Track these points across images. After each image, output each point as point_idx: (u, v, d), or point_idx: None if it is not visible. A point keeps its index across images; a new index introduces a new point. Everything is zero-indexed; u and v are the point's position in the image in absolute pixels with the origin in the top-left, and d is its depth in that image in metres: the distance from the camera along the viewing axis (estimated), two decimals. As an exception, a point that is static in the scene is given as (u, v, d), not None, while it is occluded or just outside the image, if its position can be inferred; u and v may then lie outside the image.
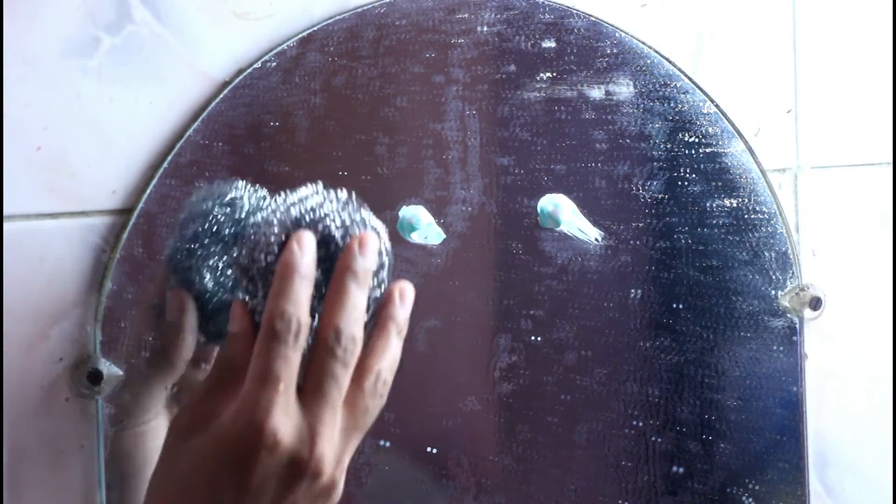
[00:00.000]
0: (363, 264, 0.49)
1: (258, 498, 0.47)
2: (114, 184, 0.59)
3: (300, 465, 0.48)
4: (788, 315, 0.67)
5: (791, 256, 0.67)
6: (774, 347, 0.67)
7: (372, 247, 0.50)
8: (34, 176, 0.57)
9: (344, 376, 0.49)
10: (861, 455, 0.71)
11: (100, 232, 0.58)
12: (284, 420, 0.47)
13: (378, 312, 0.51)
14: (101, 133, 0.58)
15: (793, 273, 0.67)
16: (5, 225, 0.57)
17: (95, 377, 0.57)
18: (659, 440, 0.65)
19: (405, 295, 0.52)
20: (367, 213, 0.51)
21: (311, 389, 0.49)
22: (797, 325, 0.67)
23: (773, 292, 0.67)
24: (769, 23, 0.68)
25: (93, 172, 0.58)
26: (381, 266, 0.50)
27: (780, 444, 0.67)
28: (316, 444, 0.48)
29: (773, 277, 0.67)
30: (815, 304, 0.67)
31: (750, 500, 0.67)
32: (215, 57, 0.60)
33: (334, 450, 0.49)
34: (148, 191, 0.58)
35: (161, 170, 0.59)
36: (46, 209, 0.58)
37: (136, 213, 0.58)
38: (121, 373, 0.58)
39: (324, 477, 0.48)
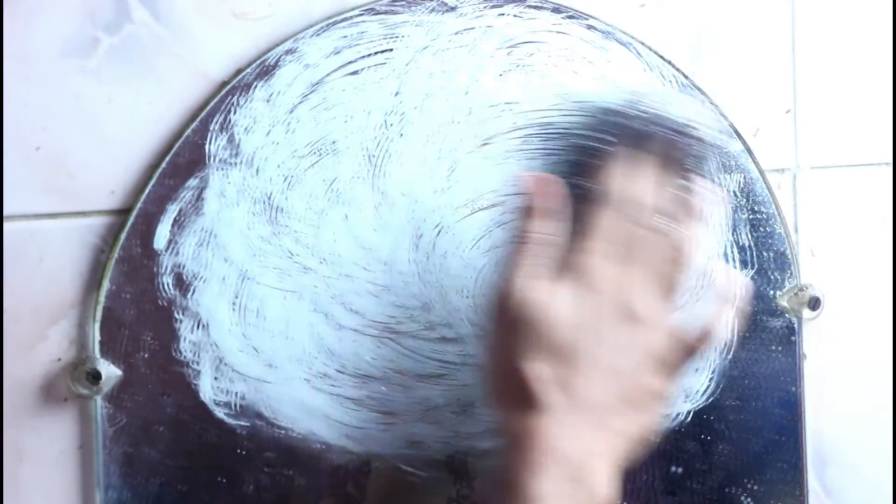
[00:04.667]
0: None
1: (614, 338, 0.54)
2: (112, 184, 0.59)
3: (631, 310, 0.54)
4: (787, 315, 0.67)
5: (790, 256, 0.67)
6: (773, 347, 0.67)
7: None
8: (33, 176, 0.58)
9: (650, 240, 0.55)
10: (860, 455, 0.71)
11: (98, 232, 0.59)
12: (605, 266, 0.54)
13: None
14: (99, 133, 0.58)
15: (791, 273, 0.67)
16: (4, 225, 0.57)
17: (94, 377, 0.57)
18: (658, 440, 0.65)
19: None
20: None
21: (626, 251, 0.55)
22: (796, 325, 0.67)
23: (771, 292, 0.67)
24: (768, 23, 0.68)
25: (91, 172, 0.58)
26: None
27: (779, 443, 0.67)
28: (639, 294, 0.54)
29: (772, 277, 0.67)
30: (814, 304, 0.67)
31: (749, 499, 0.67)
32: (214, 57, 0.60)
33: (655, 306, 0.55)
34: (146, 191, 0.59)
35: (159, 170, 0.59)
36: (45, 209, 0.58)
37: (134, 213, 0.58)
38: (119, 373, 0.58)
39: (644, 330, 0.54)
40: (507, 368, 0.53)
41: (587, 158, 0.57)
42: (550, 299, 0.53)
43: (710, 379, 0.66)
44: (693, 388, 0.66)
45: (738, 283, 0.60)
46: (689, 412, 0.65)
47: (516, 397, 0.53)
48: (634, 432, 0.54)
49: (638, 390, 0.54)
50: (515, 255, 0.55)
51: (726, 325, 0.58)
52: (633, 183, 0.56)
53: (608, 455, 0.52)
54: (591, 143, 0.57)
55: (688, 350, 0.56)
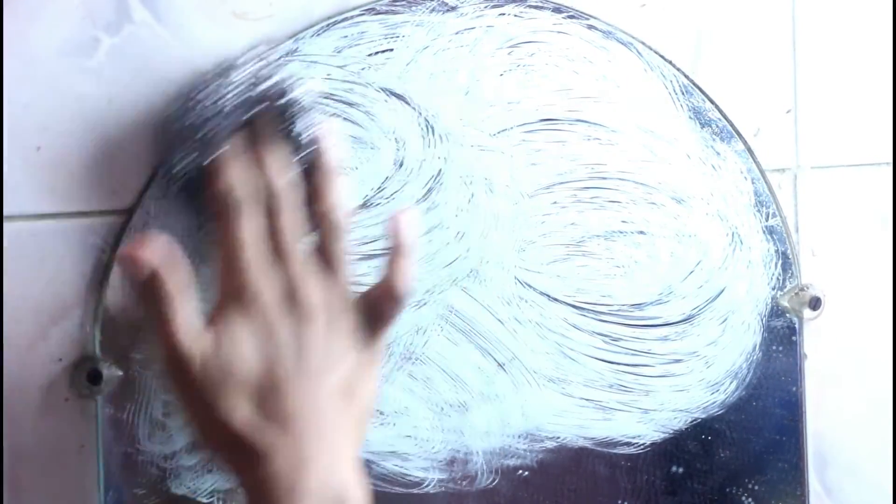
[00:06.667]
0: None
1: (290, 340, 0.51)
2: (113, 184, 0.59)
3: (297, 308, 0.52)
4: (788, 315, 0.67)
5: (790, 256, 0.67)
6: (774, 347, 0.67)
7: None
8: (34, 176, 0.58)
9: (293, 224, 0.53)
10: (860, 455, 0.71)
11: (99, 232, 0.59)
12: (262, 275, 0.52)
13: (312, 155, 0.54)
14: (100, 133, 0.58)
15: (792, 273, 0.67)
16: (5, 225, 0.57)
17: (95, 377, 0.57)
18: (658, 440, 0.65)
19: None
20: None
21: (275, 248, 0.53)
22: (796, 326, 0.67)
23: (772, 292, 0.67)
24: (769, 23, 0.68)
25: (92, 173, 0.58)
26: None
27: (780, 444, 0.67)
28: (298, 287, 0.52)
29: (773, 277, 0.67)
30: (815, 304, 0.67)
31: (749, 500, 0.67)
32: (215, 57, 0.60)
33: (320, 291, 0.52)
34: (148, 191, 0.58)
35: (161, 170, 0.59)
36: (46, 209, 0.58)
37: (135, 214, 0.58)
38: (120, 373, 0.58)
39: (318, 319, 0.52)
40: (212, 428, 0.51)
41: (197, 175, 0.54)
42: (215, 342, 0.51)
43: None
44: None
45: (412, 226, 0.55)
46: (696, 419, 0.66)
47: (235, 451, 0.50)
48: (360, 411, 0.52)
49: (344, 376, 0.52)
50: (157, 317, 0.51)
51: (406, 274, 0.54)
52: (251, 175, 0.53)
53: (347, 450, 0.51)
54: (188, 161, 0.53)
55: (376, 313, 0.54)
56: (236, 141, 0.54)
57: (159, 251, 0.51)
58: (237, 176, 0.53)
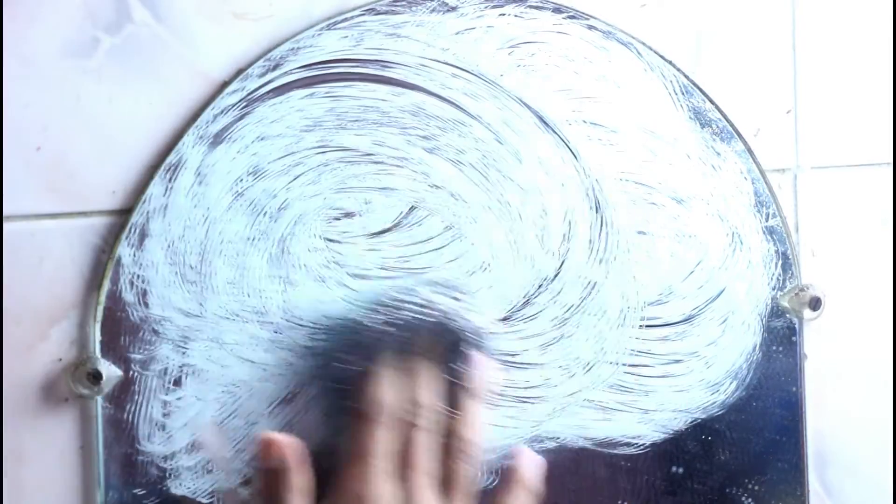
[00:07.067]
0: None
1: None
2: (113, 184, 0.59)
3: None
4: (788, 315, 0.67)
5: (790, 257, 0.67)
6: (774, 348, 0.67)
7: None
8: (34, 176, 0.58)
9: (428, 442, 0.54)
10: (861, 455, 0.71)
11: (99, 232, 0.59)
12: (383, 486, 0.53)
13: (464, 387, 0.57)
14: (100, 133, 0.58)
15: (792, 273, 0.67)
16: (5, 225, 0.57)
17: (95, 377, 0.57)
18: (658, 440, 0.65)
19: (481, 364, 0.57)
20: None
21: (403, 461, 0.54)
22: (796, 326, 0.67)
23: (772, 293, 0.67)
24: (769, 23, 0.68)
25: (92, 173, 0.58)
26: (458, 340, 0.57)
27: (780, 444, 0.67)
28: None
29: (773, 277, 0.67)
30: (815, 304, 0.67)
31: (749, 500, 0.67)
32: (215, 57, 0.60)
33: None
34: (147, 191, 0.59)
35: (160, 170, 0.59)
36: (46, 209, 0.58)
37: (135, 214, 0.58)
38: (120, 373, 0.58)
39: None
40: None
41: (348, 377, 0.56)
42: None
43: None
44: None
45: (535, 465, 0.59)
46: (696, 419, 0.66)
47: None
48: None
49: None
50: None
51: None
52: (401, 388, 0.55)
53: None
54: (348, 364, 0.56)
55: None
56: (395, 353, 0.56)
57: (295, 449, 0.54)
58: (387, 388, 0.55)
